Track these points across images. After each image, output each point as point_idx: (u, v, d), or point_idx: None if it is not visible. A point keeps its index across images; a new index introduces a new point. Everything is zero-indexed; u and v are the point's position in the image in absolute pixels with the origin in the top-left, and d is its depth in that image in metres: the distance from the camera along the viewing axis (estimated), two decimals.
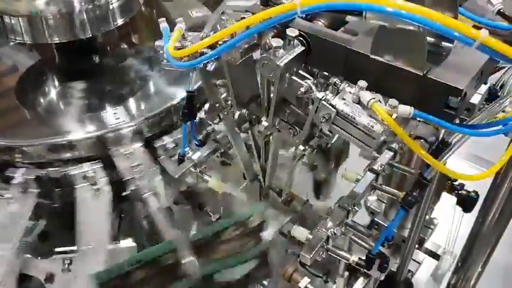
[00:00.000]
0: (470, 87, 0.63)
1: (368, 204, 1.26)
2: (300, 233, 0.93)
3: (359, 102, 0.65)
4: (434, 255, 1.38)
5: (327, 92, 0.68)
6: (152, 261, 0.90)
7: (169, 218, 1.58)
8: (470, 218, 1.07)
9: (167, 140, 1.20)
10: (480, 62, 0.66)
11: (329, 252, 0.93)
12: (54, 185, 1.14)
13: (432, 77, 0.62)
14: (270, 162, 0.93)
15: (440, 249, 1.39)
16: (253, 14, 0.71)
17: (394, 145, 1.02)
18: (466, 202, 1.11)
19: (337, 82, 0.68)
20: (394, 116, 0.61)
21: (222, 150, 1.08)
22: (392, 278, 1.21)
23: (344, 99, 0.67)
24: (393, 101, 0.61)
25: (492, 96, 0.91)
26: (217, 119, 0.91)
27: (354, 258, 0.93)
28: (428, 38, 0.65)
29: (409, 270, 1.24)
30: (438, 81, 0.62)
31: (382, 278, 1.15)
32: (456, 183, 1.15)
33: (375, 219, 1.24)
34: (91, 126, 1.15)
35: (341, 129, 0.68)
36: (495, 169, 0.68)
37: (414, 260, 1.27)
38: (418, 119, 0.66)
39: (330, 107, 0.67)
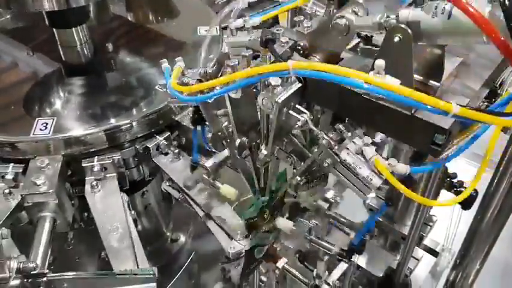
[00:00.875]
0: (455, 126, 0.67)
1: (367, 202, 1.26)
2: (285, 224, 0.96)
3: (361, 153, 0.73)
4: (433, 252, 1.39)
5: (332, 136, 0.75)
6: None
7: (168, 212, 1.60)
8: (469, 215, 1.07)
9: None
10: (465, 101, 0.72)
11: (311, 243, 0.98)
12: None
13: (420, 116, 0.66)
14: (268, 183, 0.98)
15: (438, 246, 1.40)
16: (253, 50, 0.81)
17: (377, 139, 1.04)
18: (465, 199, 1.11)
19: (342, 129, 0.75)
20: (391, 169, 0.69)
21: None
22: (391, 276, 1.22)
23: (347, 148, 0.74)
24: (393, 161, 0.68)
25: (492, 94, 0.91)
26: (221, 147, 0.97)
27: (335, 249, 0.98)
28: (416, 76, 0.69)
29: (408, 267, 1.24)
30: (425, 120, 0.66)
31: (378, 273, 1.16)
32: (455, 180, 1.15)
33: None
34: None
35: (341, 174, 0.75)
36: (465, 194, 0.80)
37: (413, 257, 1.28)
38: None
39: (334, 155, 0.74)
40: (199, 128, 1.04)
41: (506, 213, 0.98)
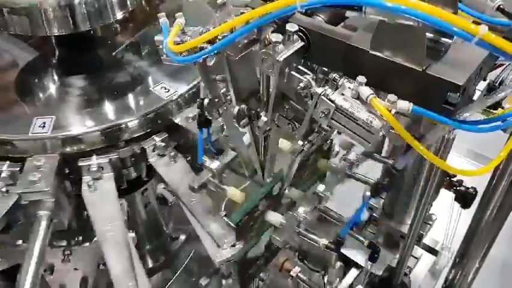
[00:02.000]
0: (469, 82, 0.63)
1: (367, 200, 1.26)
2: (274, 217, 0.95)
3: (358, 98, 0.65)
4: (432, 251, 1.39)
5: (326, 87, 0.68)
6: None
7: (169, 213, 1.60)
8: (468, 214, 1.07)
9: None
10: (479, 58, 0.66)
11: (300, 236, 0.96)
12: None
13: (432, 73, 0.62)
14: (269, 157, 0.94)
15: (438, 245, 1.40)
16: (253, 8, 0.71)
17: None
18: (464, 198, 1.12)
19: (336, 77, 0.68)
20: (393, 111, 0.61)
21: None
22: (390, 274, 1.22)
23: (343, 94, 0.67)
24: (392, 96, 0.61)
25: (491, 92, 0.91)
26: (217, 114, 0.91)
27: (323, 241, 0.98)
28: (428, 34, 0.65)
29: (407, 266, 1.24)
30: (438, 77, 0.62)
31: (377, 271, 1.16)
32: (454, 179, 1.15)
33: (374, 214, 1.25)
34: None
35: (340, 124, 0.68)
36: (493, 164, 0.68)
37: (412, 256, 1.28)
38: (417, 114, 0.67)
39: (329, 102, 0.67)
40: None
41: (505, 212, 0.98)
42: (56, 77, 1.36)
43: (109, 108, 1.22)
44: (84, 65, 1.39)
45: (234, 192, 1.02)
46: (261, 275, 1.30)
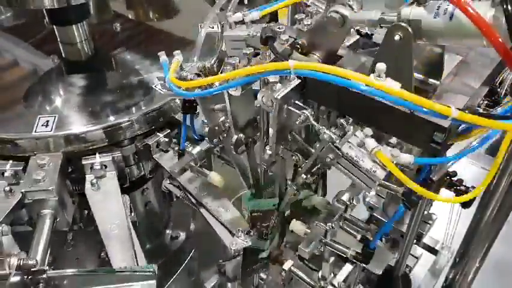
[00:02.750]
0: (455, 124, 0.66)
1: (367, 200, 1.26)
2: (298, 227, 0.95)
3: (363, 146, 0.72)
4: (432, 250, 1.39)
5: (334, 131, 0.74)
6: None
7: (168, 212, 1.60)
8: (468, 213, 1.07)
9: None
10: (465, 99, 0.71)
11: (327, 246, 0.96)
12: None
13: (419, 115, 0.66)
14: (276, 187, 0.98)
15: (438, 244, 1.40)
16: (253, 48, 0.80)
17: (392, 140, 1.03)
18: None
19: (343, 123, 0.74)
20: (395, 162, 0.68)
21: (222, 146, 1.08)
22: (390, 273, 1.22)
23: (349, 142, 0.73)
24: (395, 151, 0.67)
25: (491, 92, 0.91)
26: (217, 141, 0.96)
27: (351, 252, 0.96)
28: (416, 75, 0.68)
29: (407, 265, 1.24)
30: (425, 119, 0.66)
31: (377, 271, 1.16)
32: (455, 178, 1.15)
33: (374, 214, 1.24)
34: None
35: (344, 168, 0.74)
36: (475, 194, 0.77)
37: (412, 255, 1.28)
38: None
39: (336, 150, 0.73)
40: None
41: (505, 212, 0.98)
42: (58, 76, 1.36)
43: (111, 106, 1.22)
44: (86, 63, 1.39)
45: (214, 177, 1.06)
46: (261, 274, 1.30)
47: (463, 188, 1.15)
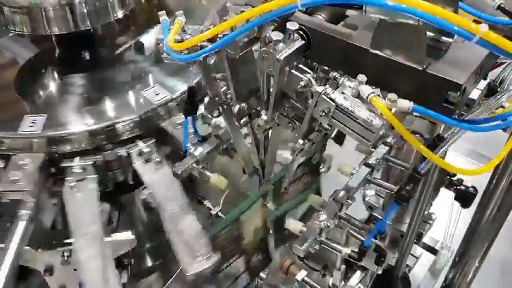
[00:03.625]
0: (469, 82, 0.63)
1: (367, 199, 1.26)
2: (294, 225, 0.94)
3: (358, 96, 0.65)
4: (432, 250, 1.39)
5: (327, 86, 0.68)
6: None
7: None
8: (468, 213, 1.07)
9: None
10: (480, 57, 0.66)
11: (322, 245, 0.95)
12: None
13: (432, 72, 0.62)
14: (269, 156, 0.94)
15: (437, 244, 1.40)
16: (253, 7, 0.70)
17: (390, 139, 1.02)
18: (464, 197, 1.11)
19: (336, 76, 0.68)
20: (393, 110, 0.61)
21: (224, 147, 1.07)
22: (390, 273, 1.22)
23: (343, 93, 0.67)
24: (392, 95, 0.61)
25: (491, 92, 0.91)
26: (217, 113, 0.91)
27: (346, 250, 0.96)
28: (428, 33, 0.65)
29: (407, 265, 1.24)
30: (438, 76, 0.62)
31: (379, 272, 1.16)
32: (454, 178, 1.15)
33: (373, 213, 1.24)
34: None
35: (340, 123, 0.68)
36: (493, 164, 0.68)
37: (412, 255, 1.28)
38: (415, 113, 0.66)
39: (330, 101, 0.67)
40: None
41: (505, 212, 0.98)
42: (50, 76, 1.34)
43: (97, 110, 1.18)
44: (76, 65, 1.37)
45: (216, 179, 1.03)
46: (261, 274, 1.30)
47: (463, 187, 1.15)
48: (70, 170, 1.10)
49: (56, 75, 1.33)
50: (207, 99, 0.89)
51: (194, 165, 1.03)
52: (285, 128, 0.83)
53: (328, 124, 0.71)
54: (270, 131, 0.88)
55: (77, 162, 1.10)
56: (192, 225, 1.06)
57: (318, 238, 0.92)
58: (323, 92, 0.68)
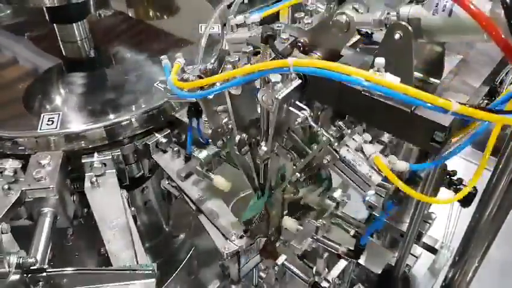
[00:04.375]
0: (456, 122, 0.67)
1: (367, 199, 1.26)
2: (291, 224, 0.96)
3: (361, 150, 0.72)
4: (432, 250, 1.39)
5: (332, 133, 0.75)
6: None
7: (168, 210, 1.60)
8: (468, 212, 1.07)
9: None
10: (465, 98, 0.72)
11: (318, 243, 0.97)
12: None
13: (419, 114, 0.66)
14: (268, 181, 0.97)
15: (437, 244, 1.40)
16: (253, 47, 0.80)
17: (384, 138, 1.03)
18: (464, 197, 1.12)
19: (341, 126, 0.75)
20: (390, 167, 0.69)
21: (227, 151, 1.08)
22: (389, 273, 1.22)
23: (347, 145, 0.73)
24: (392, 158, 0.68)
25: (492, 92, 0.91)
26: (221, 143, 0.96)
27: (343, 248, 0.99)
28: (417, 74, 0.69)
29: (406, 264, 1.25)
30: (425, 118, 0.66)
31: (376, 270, 1.17)
32: (454, 178, 1.15)
33: (373, 213, 1.25)
34: None
35: (340, 171, 0.74)
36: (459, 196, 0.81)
37: (411, 254, 1.28)
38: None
39: (334, 152, 0.74)
40: (194, 121, 1.04)
41: (505, 211, 0.98)
42: (59, 74, 1.36)
43: (112, 105, 1.22)
44: (87, 62, 1.39)
45: (219, 181, 1.05)
46: (260, 273, 1.30)
47: (462, 187, 1.15)
48: (89, 165, 1.13)
49: (65, 73, 1.36)
50: (210, 131, 0.95)
51: (198, 168, 1.05)
52: (283, 158, 0.89)
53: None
54: (269, 160, 0.92)
55: (96, 157, 1.13)
56: (221, 206, 1.09)
57: (315, 236, 0.94)
58: (328, 143, 0.74)
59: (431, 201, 0.77)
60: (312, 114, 0.77)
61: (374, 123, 0.73)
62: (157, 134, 1.21)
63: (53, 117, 1.16)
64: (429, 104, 0.58)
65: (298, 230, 0.96)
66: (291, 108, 0.77)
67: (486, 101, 0.93)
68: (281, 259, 1.07)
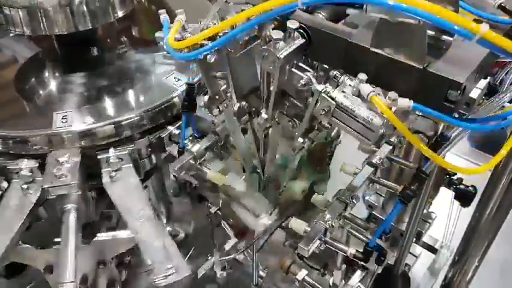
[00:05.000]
0: (470, 81, 0.63)
1: (367, 198, 1.26)
2: (298, 225, 0.94)
3: (359, 95, 0.66)
4: (432, 249, 1.39)
5: (327, 84, 0.68)
6: None
7: (168, 208, 1.60)
8: (468, 212, 1.07)
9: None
10: (480, 56, 0.66)
11: (326, 245, 0.94)
12: None
13: (432, 71, 0.63)
14: (269, 155, 0.94)
15: (437, 243, 1.40)
16: (253, 5, 0.71)
17: (393, 139, 1.02)
18: (464, 196, 1.12)
19: (337, 75, 0.69)
20: (393, 109, 0.61)
21: (222, 143, 1.08)
22: (389, 271, 1.22)
23: (343, 91, 0.67)
24: (392, 94, 0.61)
25: (492, 91, 0.91)
26: (217, 111, 0.91)
27: (351, 250, 0.95)
28: (429, 31, 0.65)
29: (406, 264, 1.24)
30: (438, 74, 0.62)
31: (379, 271, 1.16)
32: (454, 177, 1.15)
33: (373, 212, 1.25)
34: None
35: (340, 121, 0.68)
36: (493, 163, 0.68)
37: (411, 254, 1.28)
38: (418, 112, 0.66)
39: (330, 99, 0.67)
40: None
41: (505, 211, 0.98)
42: (64, 73, 1.36)
43: (123, 100, 1.23)
44: (92, 60, 1.39)
45: (213, 175, 1.04)
46: (261, 272, 1.30)
47: (462, 186, 1.15)
48: (105, 161, 1.12)
49: (70, 72, 1.34)
50: (206, 97, 0.90)
51: (191, 161, 1.04)
52: (285, 126, 0.83)
53: (328, 123, 0.71)
54: (270, 130, 0.88)
55: (112, 152, 1.12)
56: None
57: (323, 238, 0.91)
58: (323, 91, 0.68)
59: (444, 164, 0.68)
60: (316, 76, 0.71)
61: (383, 83, 0.66)
62: (169, 127, 1.20)
63: (67, 115, 1.15)
64: (454, 25, 0.53)
65: (306, 232, 0.93)
66: (293, 69, 0.72)
67: (486, 100, 0.93)
68: (302, 274, 1.06)
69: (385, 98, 0.62)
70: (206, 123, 1.12)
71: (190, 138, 1.10)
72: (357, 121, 0.66)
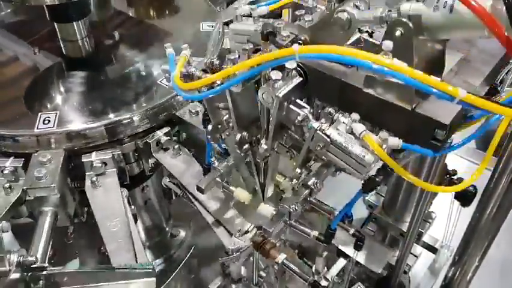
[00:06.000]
0: (456, 119, 0.67)
1: (367, 198, 1.26)
2: (266, 209, 0.98)
3: (352, 132, 0.70)
4: (432, 249, 1.39)
5: (323, 120, 0.73)
6: None
7: (168, 207, 1.60)
8: (468, 212, 1.07)
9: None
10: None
11: (291, 227, 1.01)
12: None
13: (420, 112, 0.66)
14: (268, 180, 0.97)
15: (437, 243, 1.40)
16: (254, 44, 0.79)
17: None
18: (464, 196, 1.12)
19: (331, 112, 0.73)
20: (384, 146, 0.67)
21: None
22: (389, 275, 1.22)
23: (337, 129, 0.72)
24: (383, 134, 0.67)
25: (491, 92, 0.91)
26: (220, 139, 0.96)
27: (314, 233, 1.02)
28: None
29: (406, 264, 1.25)
30: (425, 115, 0.66)
31: (376, 270, 1.17)
32: (454, 177, 1.15)
33: (374, 212, 1.25)
34: None
35: (335, 156, 0.73)
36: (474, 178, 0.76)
37: (411, 253, 1.28)
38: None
39: (325, 136, 0.72)
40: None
41: (505, 211, 0.98)
42: (58, 73, 1.36)
43: (111, 103, 1.22)
44: (87, 59, 1.39)
45: (240, 193, 1.04)
46: (261, 272, 1.30)
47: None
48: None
49: (65, 72, 1.36)
50: (210, 126, 0.94)
51: (218, 179, 1.04)
52: (283, 156, 0.89)
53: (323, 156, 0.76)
54: (269, 158, 0.91)
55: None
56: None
57: (288, 221, 0.96)
58: (318, 128, 0.73)
59: (430, 188, 0.74)
60: (312, 112, 0.77)
61: (374, 121, 0.73)
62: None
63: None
64: (436, 91, 0.57)
65: (273, 215, 0.97)
66: (291, 106, 0.77)
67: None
68: (281, 258, 1.07)
69: (377, 135, 0.68)
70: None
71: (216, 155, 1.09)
72: (351, 157, 0.70)
